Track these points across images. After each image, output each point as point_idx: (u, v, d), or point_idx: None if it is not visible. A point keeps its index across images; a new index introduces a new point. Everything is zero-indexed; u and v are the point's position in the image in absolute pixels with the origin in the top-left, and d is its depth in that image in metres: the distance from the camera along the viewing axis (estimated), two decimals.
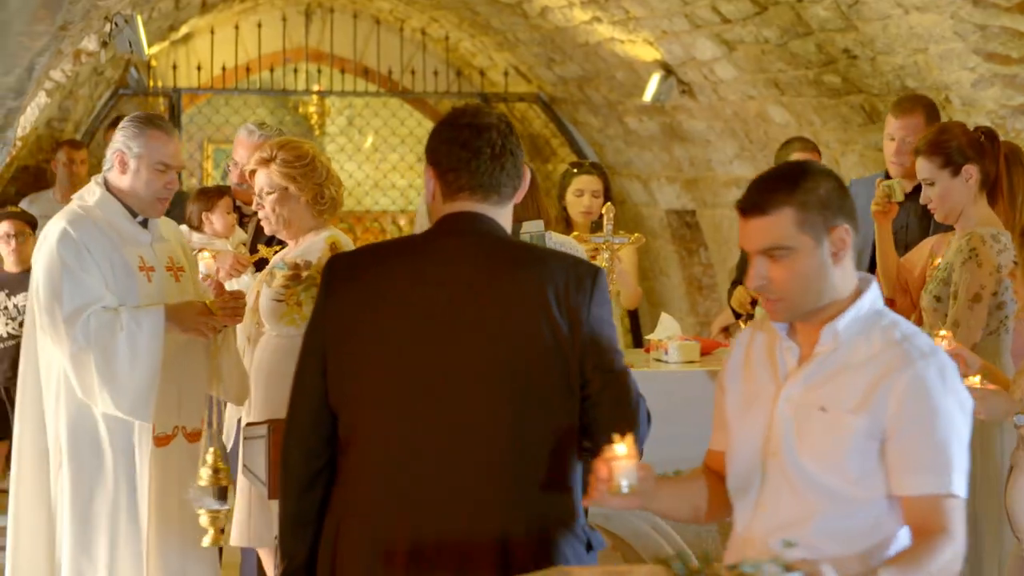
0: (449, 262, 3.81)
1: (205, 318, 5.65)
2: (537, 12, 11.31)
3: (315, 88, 14.31)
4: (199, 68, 13.67)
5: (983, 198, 5.97)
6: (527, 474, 3.62)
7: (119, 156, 5.72)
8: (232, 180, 7.33)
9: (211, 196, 7.39)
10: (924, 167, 5.97)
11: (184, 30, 13.31)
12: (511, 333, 3.72)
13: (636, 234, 7.69)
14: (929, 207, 6.06)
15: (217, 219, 7.29)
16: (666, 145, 12.11)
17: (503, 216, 3.92)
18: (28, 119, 10.03)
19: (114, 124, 7.88)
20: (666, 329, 6.64)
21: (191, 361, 5.84)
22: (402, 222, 15.24)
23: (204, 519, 5.49)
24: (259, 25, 13.77)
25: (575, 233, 7.36)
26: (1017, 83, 7.34)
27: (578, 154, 13.77)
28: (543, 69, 13.14)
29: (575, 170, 8.44)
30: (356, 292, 3.84)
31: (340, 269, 3.90)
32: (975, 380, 5.16)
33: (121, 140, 5.72)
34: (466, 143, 3.87)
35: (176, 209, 7.21)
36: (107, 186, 5.76)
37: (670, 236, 12.92)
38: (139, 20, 9.24)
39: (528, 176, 4.00)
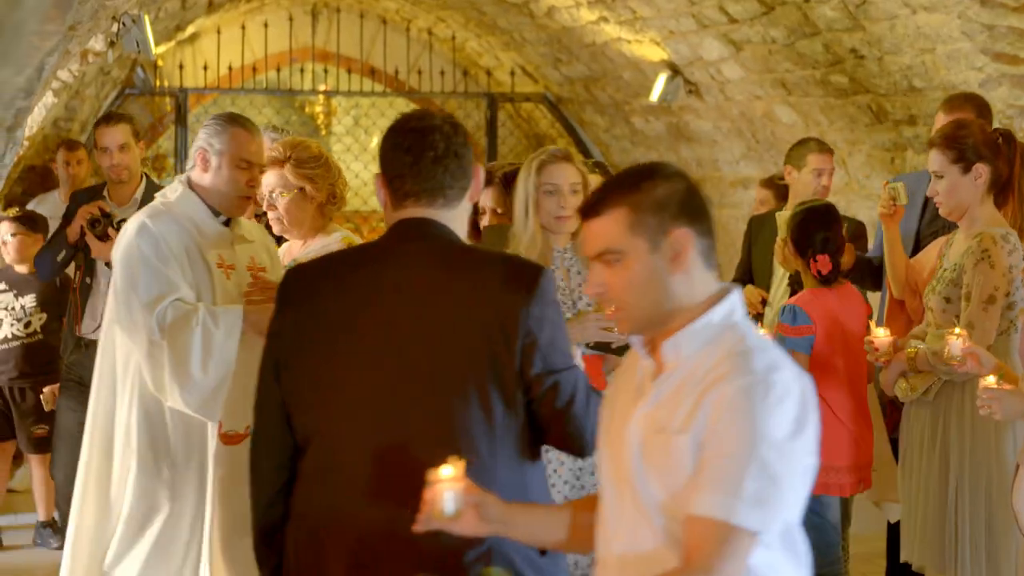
0: (398, 268, 3.83)
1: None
2: (544, 12, 11.31)
3: (321, 88, 14.32)
4: (205, 68, 13.67)
5: (990, 199, 5.96)
6: (472, 478, 3.56)
7: (201, 154, 5.66)
8: None
9: None
10: (936, 159, 5.96)
11: (191, 30, 13.32)
12: (450, 338, 3.72)
13: None
14: (935, 200, 6.05)
15: None
16: (672, 145, 12.12)
17: (454, 218, 3.91)
18: (35, 119, 10.05)
19: (103, 120, 7.86)
20: None
21: None
22: None
23: None
24: (265, 25, 13.78)
25: None
26: None
27: (584, 154, 13.76)
28: (549, 69, 13.14)
29: None
30: (309, 304, 3.88)
31: (294, 282, 3.96)
32: (991, 380, 5.16)
33: (203, 138, 5.67)
34: (409, 148, 3.91)
35: None
36: (189, 184, 5.70)
37: None
38: (146, 20, 9.25)
39: (482, 176, 3.99)
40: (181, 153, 13.35)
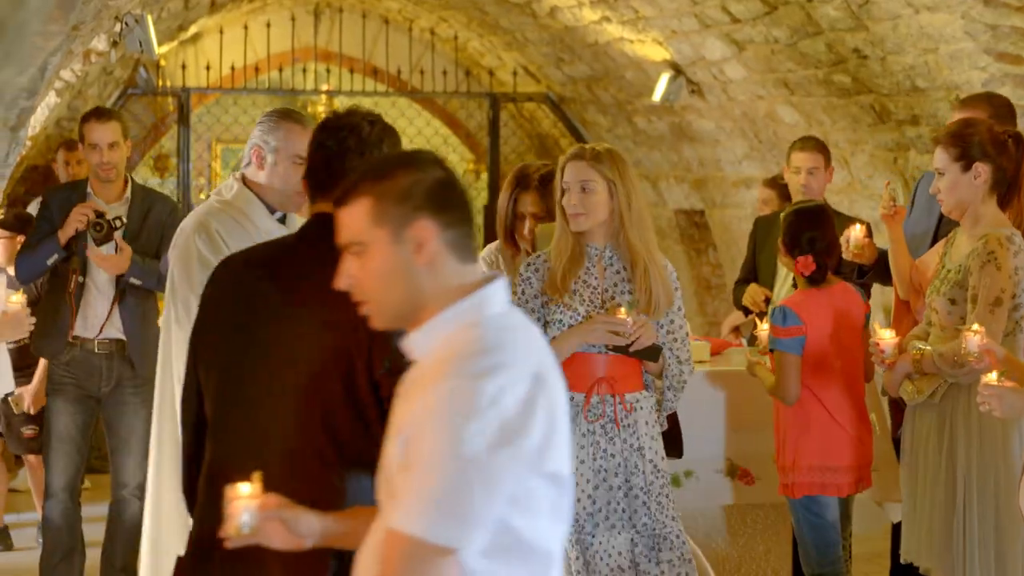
0: (292, 266, 3.87)
1: None
2: (546, 12, 11.31)
3: (324, 88, 14.31)
4: (208, 68, 13.67)
5: (993, 199, 5.94)
6: (329, 479, 3.61)
7: (256, 151, 5.64)
8: None
9: None
10: (939, 156, 5.95)
11: (193, 30, 13.32)
12: (320, 338, 3.72)
13: None
14: (937, 197, 6.05)
15: None
16: (675, 145, 12.12)
17: None
18: (38, 119, 10.05)
19: (94, 116, 7.77)
20: None
21: None
22: None
23: None
24: (268, 25, 13.78)
25: None
26: None
27: None
28: (552, 69, 13.14)
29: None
30: (218, 292, 3.98)
31: (217, 269, 4.06)
32: (992, 377, 5.15)
33: (258, 135, 5.64)
34: (321, 144, 3.97)
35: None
36: (244, 181, 5.69)
37: (679, 236, 12.92)
38: (149, 20, 9.25)
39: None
40: (184, 153, 13.36)
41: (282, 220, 5.70)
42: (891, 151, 8.96)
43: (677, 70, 10.72)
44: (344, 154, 3.94)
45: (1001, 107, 6.72)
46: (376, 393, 3.66)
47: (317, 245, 3.81)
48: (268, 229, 5.58)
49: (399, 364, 3.33)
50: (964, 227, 5.99)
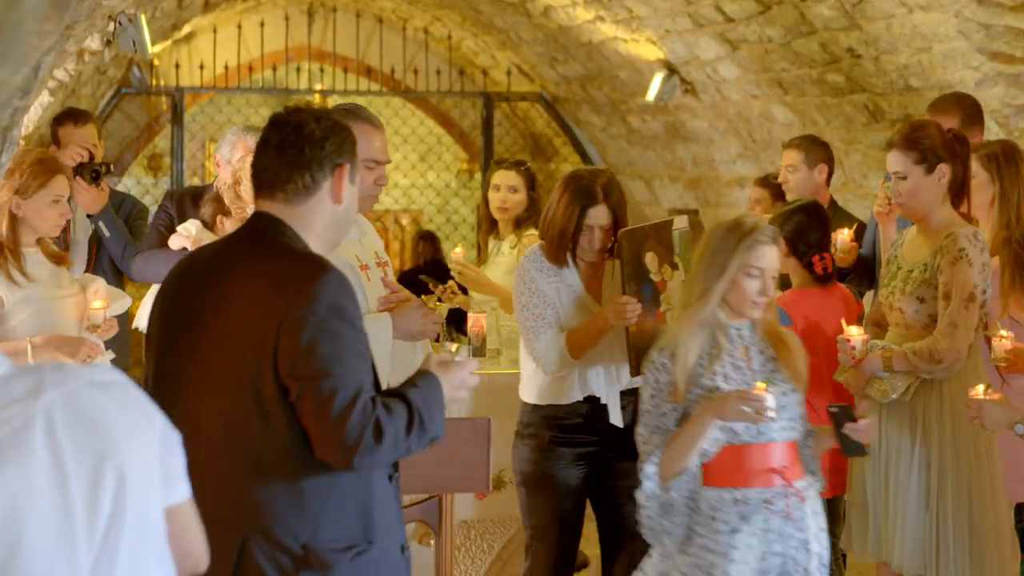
0: (221, 271, 3.85)
1: (428, 317, 5.32)
2: (540, 11, 11.31)
3: (317, 87, 14.31)
4: (202, 67, 13.67)
5: (948, 199, 5.97)
6: (229, 488, 3.60)
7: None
8: (224, 180, 7.29)
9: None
10: (897, 159, 5.96)
11: (187, 29, 13.31)
12: (234, 342, 3.70)
13: None
14: (895, 201, 6.06)
15: (231, 224, 7.27)
16: (669, 144, 12.12)
17: (300, 217, 3.88)
18: (31, 118, 10.02)
19: (68, 118, 7.71)
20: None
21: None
22: (404, 221, 15.24)
23: None
24: (262, 24, 13.78)
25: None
26: (1021, 82, 7.35)
27: (581, 153, 13.78)
28: (546, 68, 13.15)
29: (496, 165, 8.47)
30: (167, 289, 3.97)
31: (171, 270, 4.03)
32: (979, 390, 5.19)
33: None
34: (266, 140, 3.91)
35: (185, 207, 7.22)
36: None
37: None
38: (143, 19, 9.24)
39: (345, 177, 3.91)
40: (177, 152, 13.35)
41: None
42: (885, 150, 8.96)
43: (671, 69, 10.73)
44: (284, 151, 3.87)
45: (970, 108, 6.77)
46: (284, 399, 3.64)
47: (251, 247, 3.84)
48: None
49: (300, 373, 3.59)
50: (920, 228, 6.00)
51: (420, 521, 4.88)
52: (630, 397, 5.92)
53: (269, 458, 3.61)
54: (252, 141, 7.20)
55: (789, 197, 8.20)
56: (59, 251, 6.39)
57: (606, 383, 5.93)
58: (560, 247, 5.94)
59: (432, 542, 5.22)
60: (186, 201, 7.33)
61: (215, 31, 13.69)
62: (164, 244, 7.08)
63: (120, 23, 9.04)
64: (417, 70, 14.23)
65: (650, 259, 5.93)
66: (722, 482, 4.97)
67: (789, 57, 9.05)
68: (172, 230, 7.14)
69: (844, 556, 6.97)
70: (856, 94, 8.85)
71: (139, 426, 2.78)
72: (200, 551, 3.00)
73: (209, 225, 7.25)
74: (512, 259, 7.91)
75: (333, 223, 3.93)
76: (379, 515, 3.79)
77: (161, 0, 10.55)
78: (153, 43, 10.52)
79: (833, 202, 8.26)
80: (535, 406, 6.00)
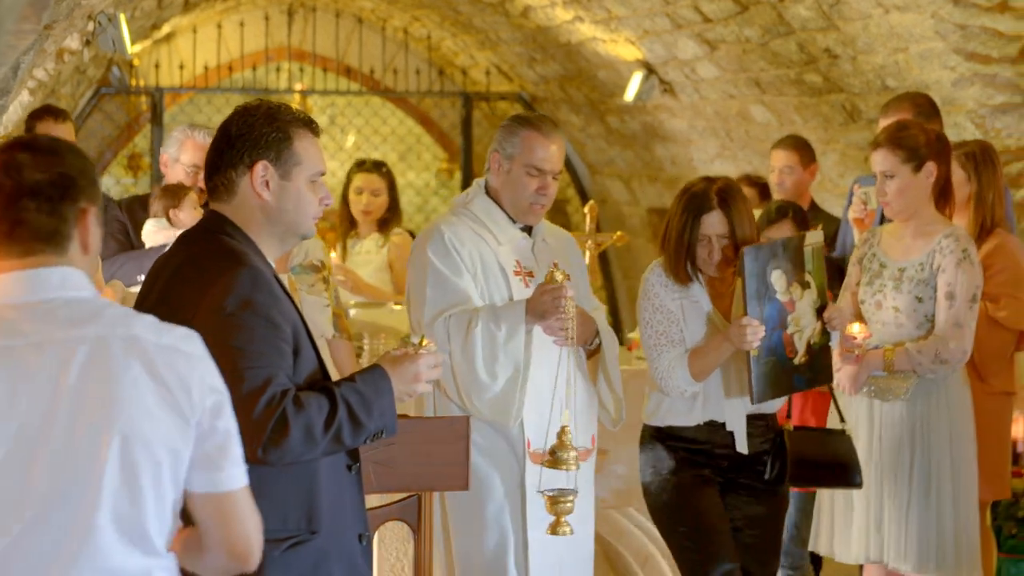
0: (164, 263, 3.93)
1: (559, 303, 5.16)
2: (519, 11, 11.33)
3: (297, 87, 14.31)
4: (181, 67, 13.66)
5: (932, 198, 5.99)
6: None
7: (494, 156, 5.44)
8: (174, 180, 7.28)
9: (177, 192, 7.35)
10: (885, 159, 5.96)
11: (166, 29, 13.30)
12: None
13: (618, 232, 7.73)
14: (882, 201, 6.06)
15: (184, 215, 7.27)
16: (647, 144, 12.14)
17: (232, 213, 3.93)
18: (11, 118, 10.01)
19: (48, 113, 7.67)
20: None
21: (576, 368, 5.40)
22: None
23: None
24: (241, 24, 13.77)
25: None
26: (997, 82, 7.39)
27: None
28: (525, 68, 13.16)
29: (357, 167, 8.49)
30: (141, 292, 4.00)
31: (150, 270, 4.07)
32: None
33: (497, 139, 5.46)
34: (215, 138, 4.01)
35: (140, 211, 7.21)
36: (487, 188, 5.49)
37: (651, 235, 12.94)
38: (122, 19, 9.23)
39: (260, 172, 3.92)
40: (157, 152, 13.34)
41: (527, 229, 5.50)
42: (862, 150, 9.00)
43: (649, 69, 10.75)
44: (210, 150, 3.96)
45: (924, 106, 6.79)
46: None
47: (189, 247, 3.90)
48: (511, 238, 5.46)
49: None
50: (908, 228, 6.00)
51: (399, 520, 4.88)
52: (760, 423, 5.61)
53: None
54: (200, 138, 7.20)
55: (782, 197, 8.22)
56: None
57: (730, 407, 5.55)
58: (678, 261, 5.57)
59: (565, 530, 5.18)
60: (136, 207, 7.33)
61: (195, 31, 13.68)
62: (124, 251, 7.07)
63: (100, 23, 9.03)
64: (396, 70, 14.24)
65: (777, 277, 5.48)
66: None
67: (767, 57, 9.08)
68: (128, 236, 7.12)
69: (819, 559, 6.99)
70: (833, 94, 8.88)
71: (162, 398, 2.90)
72: (243, 547, 3.06)
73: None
74: (382, 258, 7.99)
75: (268, 221, 3.95)
76: (328, 505, 3.80)
77: (141, 0, 10.54)
78: (133, 43, 10.51)
79: (813, 203, 8.30)
80: (657, 428, 5.63)
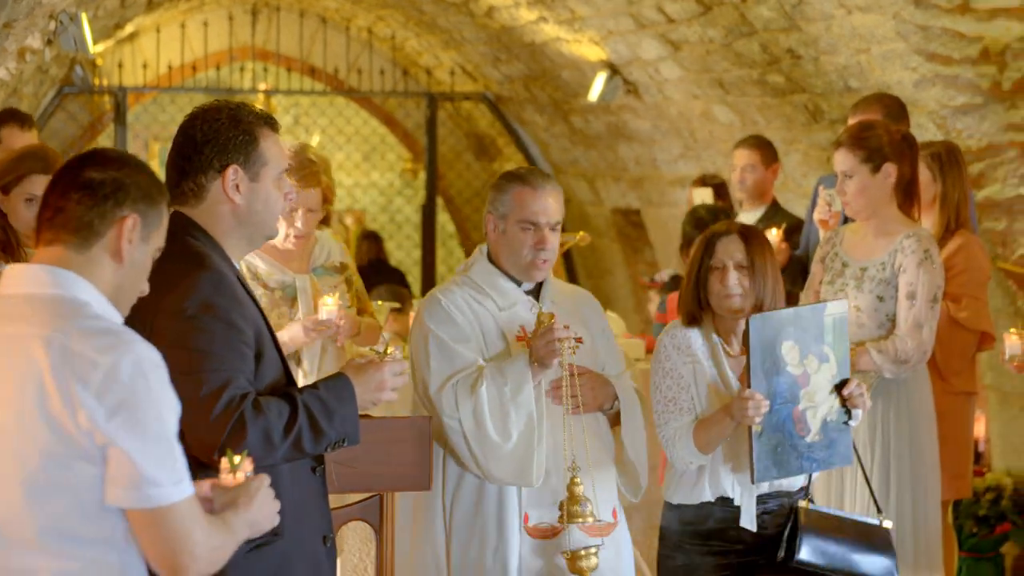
0: None
1: (553, 346, 4.93)
2: (483, 11, 11.32)
3: (261, 87, 14.29)
4: (145, 66, 13.62)
5: (895, 199, 6.02)
6: None
7: (488, 219, 5.22)
8: None
9: None
10: (845, 158, 6.00)
11: (130, 28, 13.25)
12: None
13: (581, 232, 7.74)
14: (842, 200, 6.10)
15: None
16: (611, 144, 12.16)
17: (198, 216, 3.94)
18: None
19: (11, 118, 7.62)
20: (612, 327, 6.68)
21: (592, 435, 5.12)
22: (348, 220, 15.23)
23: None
24: (205, 24, 13.74)
25: None
26: (959, 83, 7.42)
27: (524, 153, 13.79)
28: (489, 68, 13.16)
29: None
30: None
31: None
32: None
33: (489, 200, 5.23)
34: (173, 139, 4.03)
35: None
36: (489, 252, 5.25)
37: (615, 235, 12.96)
38: (84, 18, 9.19)
39: (231, 177, 3.92)
40: None
41: (535, 293, 5.24)
42: (824, 150, 9.02)
43: (613, 70, 10.76)
44: (172, 154, 3.99)
45: (893, 107, 6.83)
46: None
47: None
48: (513, 302, 5.19)
49: None
50: (870, 227, 6.03)
51: (361, 520, 4.87)
52: (780, 500, 5.17)
53: None
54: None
55: (744, 196, 8.28)
56: None
57: (738, 482, 5.08)
58: (689, 294, 5.13)
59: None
60: None
61: (158, 30, 13.64)
62: None
63: (61, 22, 8.99)
64: (361, 70, 14.22)
65: (788, 348, 4.99)
66: None
67: (730, 58, 9.09)
68: None
69: None
70: (796, 94, 8.91)
71: (43, 406, 2.99)
72: (171, 563, 3.10)
73: None
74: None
75: (238, 224, 3.96)
76: (292, 508, 3.78)
77: None
78: (95, 42, 10.48)
79: (775, 202, 8.33)
80: (669, 504, 5.20)
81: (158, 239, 3.33)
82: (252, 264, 6.08)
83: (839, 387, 5.07)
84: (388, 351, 4.12)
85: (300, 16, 14.42)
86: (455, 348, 5.09)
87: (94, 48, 10.39)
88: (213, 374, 3.69)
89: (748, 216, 8.26)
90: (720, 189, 9.05)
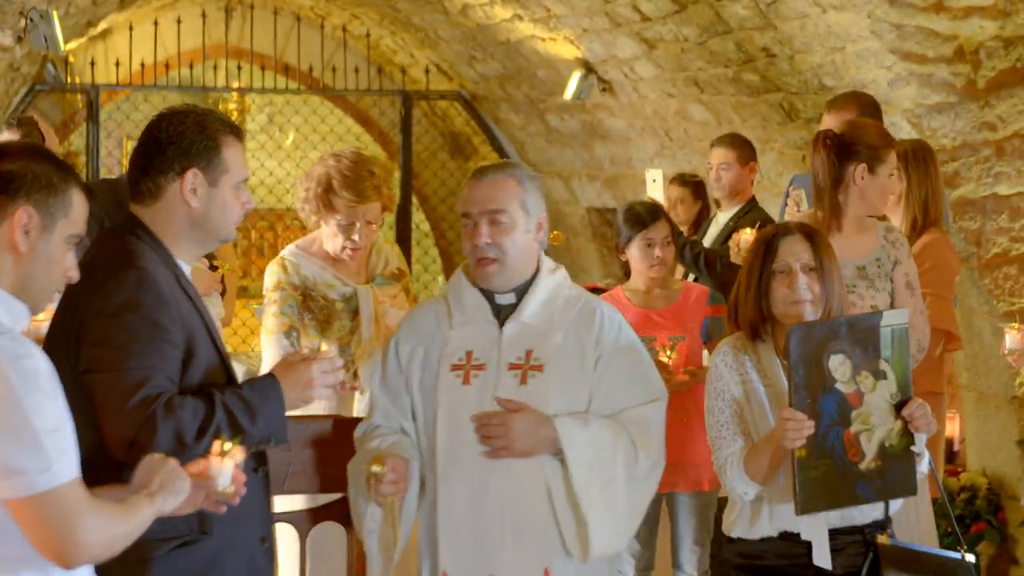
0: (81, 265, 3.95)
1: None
2: (458, 9, 11.30)
3: (235, 85, 14.24)
4: (118, 64, 13.56)
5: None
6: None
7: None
8: None
9: None
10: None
11: (102, 26, 13.20)
12: (55, 340, 3.85)
13: (556, 231, 7.71)
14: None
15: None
16: (587, 143, 12.14)
17: (150, 217, 3.99)
18: None
19: (13, 123, 7.66)
20: None
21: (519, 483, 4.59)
22: None
23: None
24: (178, 21, 13.67)
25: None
26: (933, 82, 7.40)
27: (499, 152, 13.77)
28: (464, 67, 13.13)
29: None
30: None
31: None
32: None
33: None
34: (138, 140, 4.09)
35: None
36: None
37: (591, 234, 12.95)
38: (55, 15, 9.15)
39: (190, 180, 3.96)
40: (93, 151, 13.24)
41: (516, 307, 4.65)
42: (799, 149, 9.02)
43: (588, 68, 10.75)
44: (135, 154, 4.04)
45: (868, 105, 6.84)
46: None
47: (95, 246, 3.97)
48: (472, 319, 4.62)
49: (91, 366, 3.77)
50: (847, 226, 6.03)
51: (332, 520, 4.86)
52: (854, 535, 4.65)
53: (91, 451, 3.55)
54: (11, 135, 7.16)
55: (720, 195, 8.29)
56: None
57: (807, 516, 4.53)
58: (752, 305, 4.65)
59: None
60: None
61: (131, 28, 13.57)
62: None
63: (31, 19, 8.95)
64: (335, 68, 14.18)
65: (838, 363, 4.49)
66: None
67: (705, 56, 9.08)
68: None
69: None
70: (771, 93, 8.90)
71: None
72: (56, 548, 3.12)
73: None
74: None
75: (192, 226, 4.01)
76: (227, 507, 3.76)
77: None
78: (67, 40, 10.43)
79: (754, 200, 8.33)
80: (727, 538, 4.73)
81: (67, 227, 3.31)
82: (311, 275, 6.07)
83: (899, 407, 4.56)
84: (323, 348, 4.12)
85: (274, 14, 14.38)
86: (383, 399, 4.65)
87: (66, 46, 10.34)
88: (131, 372, 3.73)
89: (724, 215, 8.28)
90: (698, 188, 9.05)
